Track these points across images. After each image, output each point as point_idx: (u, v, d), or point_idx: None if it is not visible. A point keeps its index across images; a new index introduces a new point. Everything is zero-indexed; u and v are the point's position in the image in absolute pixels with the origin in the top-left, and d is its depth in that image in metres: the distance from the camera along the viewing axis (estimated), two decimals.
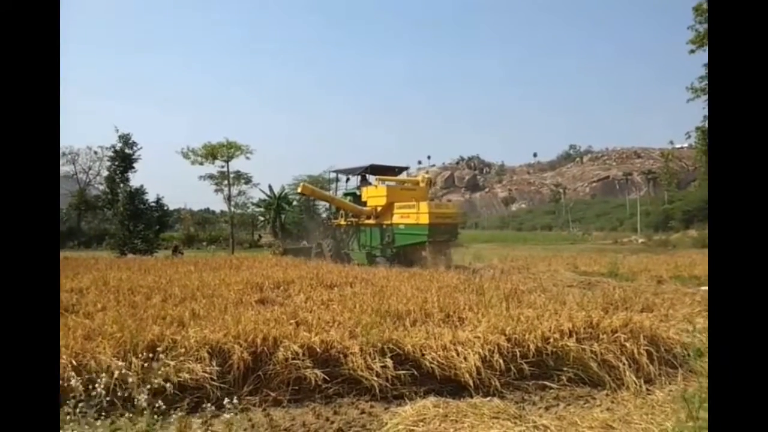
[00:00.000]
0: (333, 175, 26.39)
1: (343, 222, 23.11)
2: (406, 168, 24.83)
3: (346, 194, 24.10)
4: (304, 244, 26.18)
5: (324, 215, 27.62)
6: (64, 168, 54.73)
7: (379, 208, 21.39)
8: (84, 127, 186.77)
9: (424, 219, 19.45)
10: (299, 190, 24.35)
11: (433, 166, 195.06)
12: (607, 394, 5.33)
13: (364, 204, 22.20)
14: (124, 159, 35.09)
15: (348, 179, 25.26)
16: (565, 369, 5.66)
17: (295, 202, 48.57)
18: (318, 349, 5.42)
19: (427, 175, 23.84)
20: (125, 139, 35.01)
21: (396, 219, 20.60)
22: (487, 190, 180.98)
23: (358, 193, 23.31)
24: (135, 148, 35.62)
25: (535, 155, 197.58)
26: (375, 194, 21.94)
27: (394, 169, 24.13)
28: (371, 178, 23.76)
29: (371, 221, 21.79)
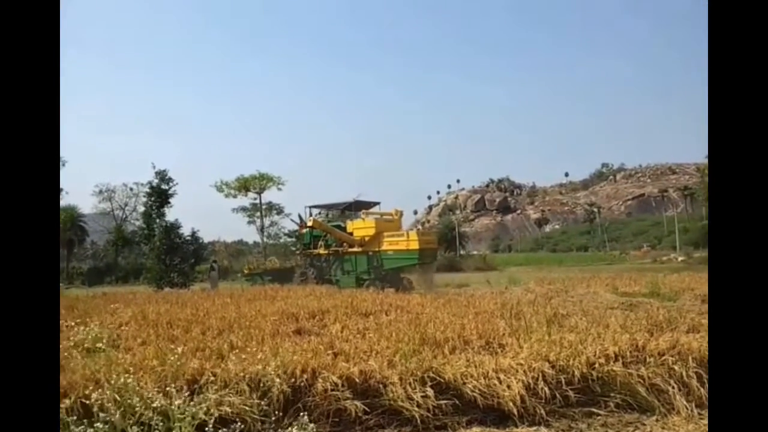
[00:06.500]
0: (312, 210, 29.78)
1: (322, 251, 25.81)
2: (378, 203, 28.16)
3: (331, 227, 26.62)
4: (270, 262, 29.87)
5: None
6: (101, 205, 56.52)
7: (366, 238, 24.28)
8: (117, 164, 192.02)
9: (415, 245, 22.82)
10: (309, 223, 27.19)
11: (463, 189, 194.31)
12: (657, 420, 5.15)
13: (351, 234, 25.04)
14: (160, 194, 35.81)
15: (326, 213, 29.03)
16: (612, 394, 5.49)
17: None
18: (357, 380, 5.37)
19: (399, 209, 27.24)
20: (162, 175, 35.80)
21: (385, 246, 23.57)
22: (519, 212, 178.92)
23: (342, 225, 26.15)
24: (171, 184, 36.39)
25: (566, 175, 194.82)
26: (363, 226, 24.94)
27: (370, 204, 27.54)
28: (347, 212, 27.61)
29: (356, 249, 24.59)
